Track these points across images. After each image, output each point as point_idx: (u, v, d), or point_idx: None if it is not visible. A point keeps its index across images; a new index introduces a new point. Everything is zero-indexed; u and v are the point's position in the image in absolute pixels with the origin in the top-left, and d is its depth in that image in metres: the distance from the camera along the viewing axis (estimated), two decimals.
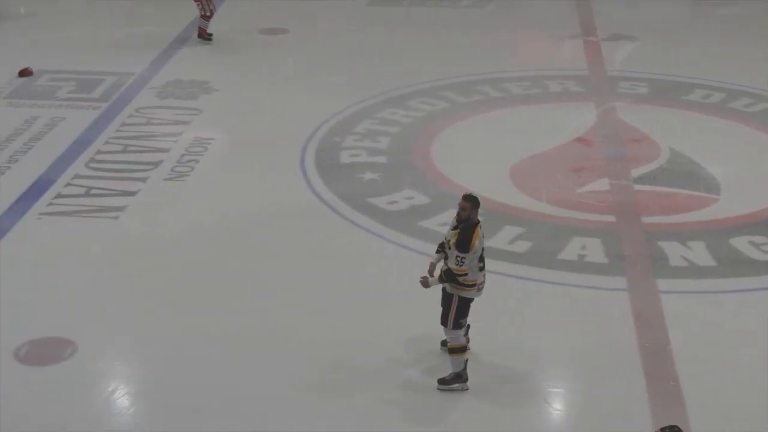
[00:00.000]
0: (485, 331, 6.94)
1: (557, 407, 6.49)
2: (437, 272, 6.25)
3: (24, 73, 12.17)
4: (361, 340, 7.05)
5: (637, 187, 9.75)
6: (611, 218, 9.06)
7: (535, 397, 6.47)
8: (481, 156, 10.57)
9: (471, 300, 6.06)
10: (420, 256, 8.03)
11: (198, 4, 13.99)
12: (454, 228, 5.96)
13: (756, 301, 7.83)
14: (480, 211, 6.22)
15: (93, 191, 9.49)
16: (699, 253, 8.42)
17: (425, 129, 11.09)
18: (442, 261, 6.14)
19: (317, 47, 14.23)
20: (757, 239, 8.59)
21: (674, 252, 8.49)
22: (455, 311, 5.84)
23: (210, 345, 7.08)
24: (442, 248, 6.18)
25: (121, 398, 6.64)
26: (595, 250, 8.50)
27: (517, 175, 9.95)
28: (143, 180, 9.65)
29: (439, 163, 10.19)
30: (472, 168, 10.12)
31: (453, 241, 5.83)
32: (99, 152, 10.30)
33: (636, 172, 10.07)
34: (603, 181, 10.02)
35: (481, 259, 5.97)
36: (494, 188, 9.38)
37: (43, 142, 10.56)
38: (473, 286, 5.87)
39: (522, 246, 8.47)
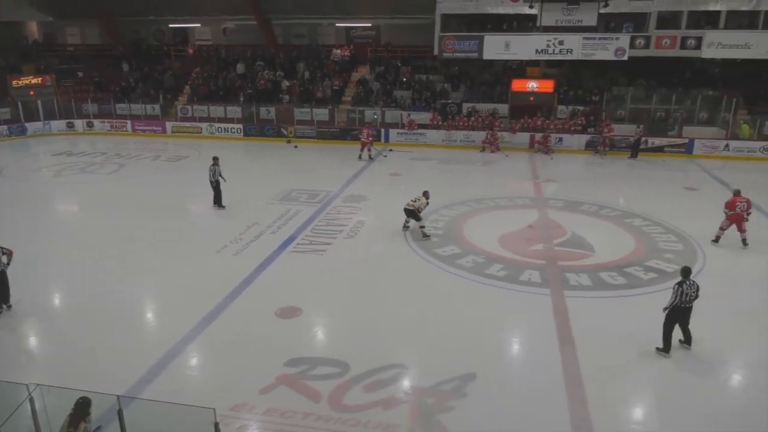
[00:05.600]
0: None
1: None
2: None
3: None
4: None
5: (556, 248, 14.31)
6: (543, 262, 13.59)
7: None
8: (485, 232, 15.21)
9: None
10: (437, 270, 12.49)
11: (363, 148, 19.41)
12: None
13: (611, 302, 11.53)
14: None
15: (313, 242, 14.65)
16: (583, 279, 12.54)
17: (461, 219, 15.90)
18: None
19: (415, 182, 19.82)
20: (611, 273, 12.82)
21: (572, 278, 12.52)
22: None
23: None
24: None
25: (320, 334, 9.97)
26: (535, 276, 12.68)
27: (501, 241, 14.76)
28: (335, 237, 14.97)
29: (467, 235, 15.00)
30: (481, 237, 14.72)
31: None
32: (316, 225, 15.98)
33: (555, 241, 14.84)
34: (540, 245, 14.58)
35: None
36: (490, 247, 14.22)
37: (292, 220, 16.35)
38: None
39: (501, 273, 12.79)
